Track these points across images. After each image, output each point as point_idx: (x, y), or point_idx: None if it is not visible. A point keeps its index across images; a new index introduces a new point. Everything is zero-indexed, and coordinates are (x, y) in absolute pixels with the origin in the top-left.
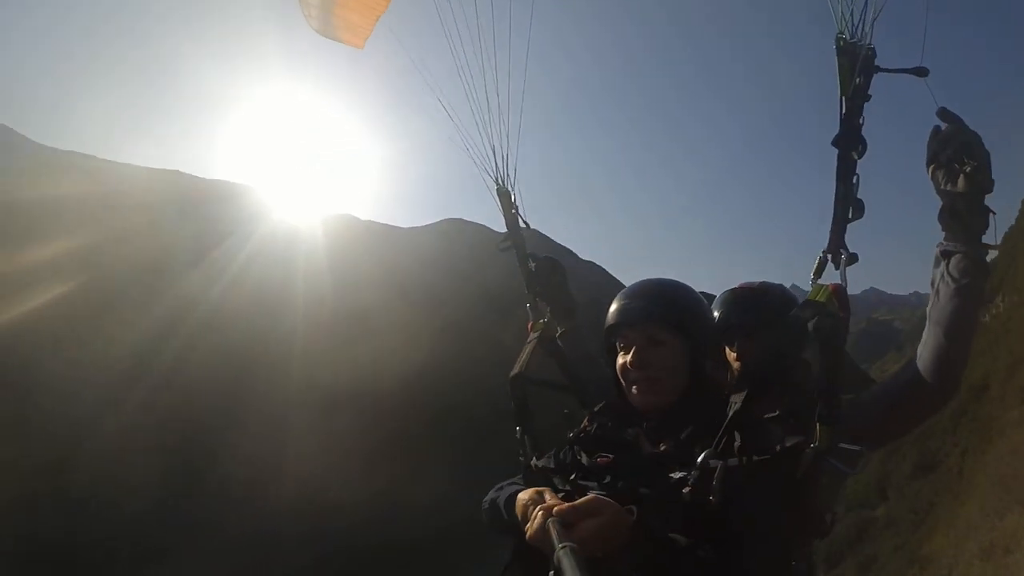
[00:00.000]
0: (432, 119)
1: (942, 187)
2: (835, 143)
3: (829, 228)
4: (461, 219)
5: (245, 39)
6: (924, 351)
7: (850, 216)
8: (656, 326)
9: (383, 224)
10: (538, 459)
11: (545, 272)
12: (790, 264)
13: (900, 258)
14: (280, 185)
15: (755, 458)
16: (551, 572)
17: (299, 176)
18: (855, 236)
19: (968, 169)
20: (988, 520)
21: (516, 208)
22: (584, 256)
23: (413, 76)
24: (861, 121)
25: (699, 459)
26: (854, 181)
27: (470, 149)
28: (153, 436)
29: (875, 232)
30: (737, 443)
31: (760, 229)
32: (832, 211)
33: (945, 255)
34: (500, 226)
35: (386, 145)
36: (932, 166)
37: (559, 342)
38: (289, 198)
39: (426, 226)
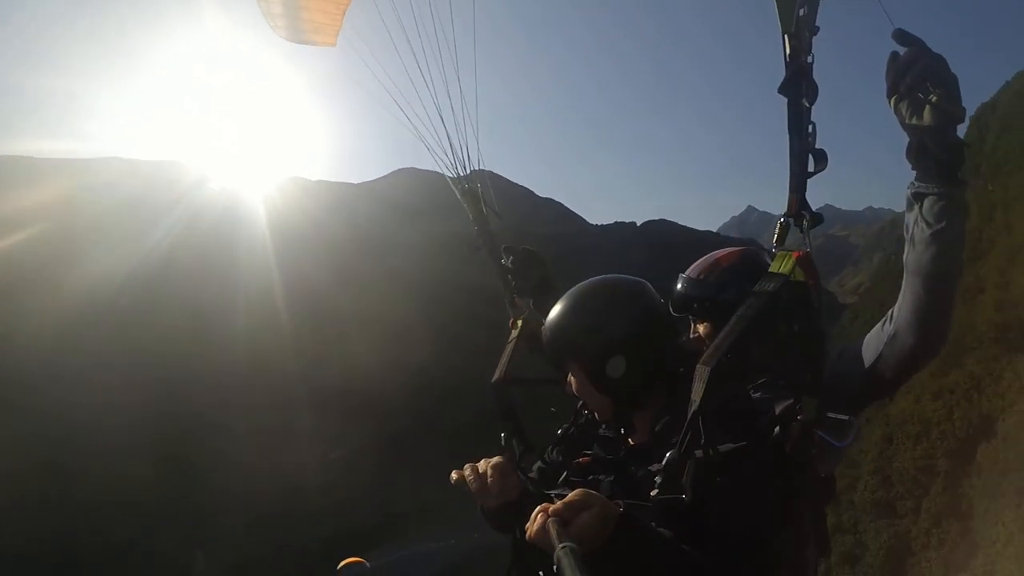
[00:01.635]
0: (377, 76)
1: (907, 121)
2: (782, 90)
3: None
4: (414, 168)
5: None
6: (903, 304)
7: (812, 170)
8: (559, 363)
9: (335, 182)
10: (528, 461)
11: (523, 267)
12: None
13: (853, 174)
14: (225, 158)
15: (721, 448)
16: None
17: (247, 146)
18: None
19: (934, 98)
20: None
21: (485, 203)
22: (542, 194)
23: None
24: (810, 60)
25: (665, 458)
26: (810, 131)
27: (430, 148)
28: (137, 434)
29: (826, 149)
30: (704, 434)
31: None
32: (788, 169)
33: (917, 197)
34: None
35: (334, 101)
36: (894, 97)
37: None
38: (236, 169)
39: (380, 178)
